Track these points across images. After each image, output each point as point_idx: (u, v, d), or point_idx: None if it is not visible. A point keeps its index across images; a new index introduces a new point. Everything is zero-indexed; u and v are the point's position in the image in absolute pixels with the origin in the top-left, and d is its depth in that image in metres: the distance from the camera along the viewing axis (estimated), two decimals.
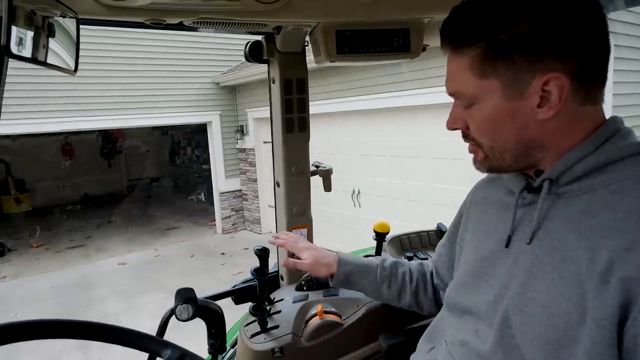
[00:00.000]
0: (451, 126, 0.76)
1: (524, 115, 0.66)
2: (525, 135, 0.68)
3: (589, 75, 0.65)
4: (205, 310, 1.02)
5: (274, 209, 1.50)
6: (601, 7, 0.64)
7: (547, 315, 0.62)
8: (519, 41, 0.63)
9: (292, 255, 1.13)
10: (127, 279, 6.26)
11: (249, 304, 1.19)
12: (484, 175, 0.92)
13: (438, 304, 1.08)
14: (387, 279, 1.08)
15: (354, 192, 6.05)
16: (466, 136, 0.75)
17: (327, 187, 1.55)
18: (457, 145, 0.78)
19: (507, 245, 0.73)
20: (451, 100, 0.75)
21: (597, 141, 0.66)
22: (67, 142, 11.19)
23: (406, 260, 1.15)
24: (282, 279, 1.49)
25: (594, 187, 0.65)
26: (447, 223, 1.68)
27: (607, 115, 0.70)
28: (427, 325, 0.96)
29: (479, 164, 0.76)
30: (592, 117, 0.68)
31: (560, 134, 0.67)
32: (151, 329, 0.92)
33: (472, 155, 0.77)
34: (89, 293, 5.80)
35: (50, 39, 0.79)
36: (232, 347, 1.34)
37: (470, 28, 0.67)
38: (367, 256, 1.49)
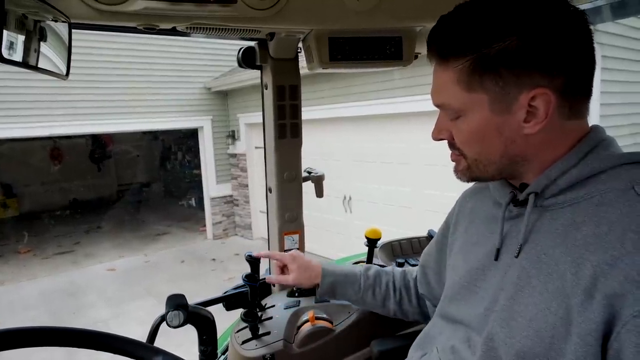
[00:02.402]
0: (436, 137, 0.76)
1: (510, 129, 0.66)
2: (511, 150, 0.68)
3: (575, 91, 0.65)
4: (196, 317, 1.02)
5: (265, 214, 1.49)
6: (588, 23, 0.65)
7: (534, 329, 0.63)
8: (508, 56, 0.62)
9: (282, 267, 1.14)
10: (116, 285, 6.19)
11: (240, 310, 1.19)
12: (469, 184, 0.93)
13: (422, 312, 1.09)
14: (371, 288, 1.09)
15: (345, 198, 6.05)
16: (452, 145, 0.75)
17: (319, 193, 1.55)
18: (447, 152, 0.78)
19: (496, 259, 0.74)
20: None
21: (580, 154, 0.66)
22: (56, 146, 11.06)
23: (390, 268, 1.15)
24: (274, 285, 1.49)
25: (578, 200, 0.65)
26: (437, 229, 1.70)
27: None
28: (419, 331, 0.96)
29: (460, 173, 0.76)
30: (576, 131, 0.68)
31: (544, 148, 0.68)
32: (141, 335, 0.90)
33: (454, 165, 0.77)
34: (78, 300, 5.72)
35: (42, 43, 0.78)
36: (223, 353, 1.33)
37: (458, 40, 0.66)
38: (358, 262, 1.50)
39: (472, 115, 0.68)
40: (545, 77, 0.62)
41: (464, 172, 0.75)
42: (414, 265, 1.50)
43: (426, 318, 1.09)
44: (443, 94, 0.70)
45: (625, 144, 3.77)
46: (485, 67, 0.64)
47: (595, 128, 0.70)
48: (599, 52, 3.68)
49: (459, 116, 0.69)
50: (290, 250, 1.45)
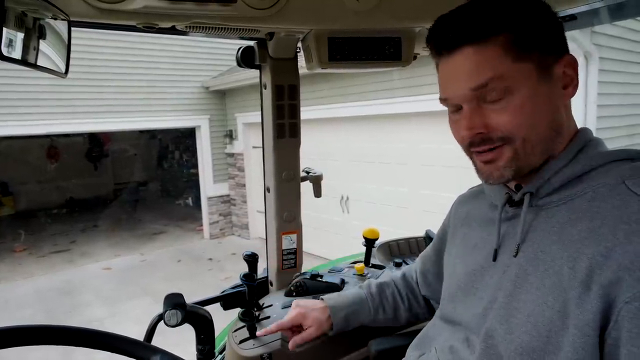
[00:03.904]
0: (471, 134, 0.69)
1: (555, 96, 0.69)
2: (556, 119, 0.70)
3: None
4: (194, 316, 1.02)
5: (262, 214, 1.49)
6: None
7: (531, 324, 0.64)
8: (546, 27, 0.68)
9: (292, 330, 1.08)
10: (112, 284, 6.17)
11: (238, 310, 1.19)
12: (467, 185, 0.94)
13: (431, 310, 1.10)
14: (381, 306, 1.09)
15: (343, 198, 6.05)
16: (487, 140, 0.68)
17: (317, 193, 1.55)
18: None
19: (494, 259, 0.75)
20: (437, 107, 0.75)
21: (570, 153, 0.69)
22: (53, 144, 11.02)
23: (389, 278, 1.14)
24: (272, 285, 1.49)
25: (572, 197, 0.67)
26: (435, 229, 1.70)
27: (589, 126, 0.74)
28: (417, 331, 0.97)
29: (503, 169, 0.69)
30: (572, 123, 0.73)
31: (567, 126, 0.71)
32: (137, 335, 0.90)
33: (485, 165, 0.71)
34: (73, 299, 5.70)
35: (41, 41, 0.78)
36: (221, 352, 1.33)
37: (498, 17, 0.67)
38: (355, 262, 1.50)
39: (522, 87, 0.66)
40: (565, 49, 0.70)
41: (509, 163, 0.69)
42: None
43: (433, 314, 1.09)
44: (487, 70, 0.66)
45: (622, 145, 3.79)
46: (528, 39, 0.66)
47: (584, 129, 0.73)
48: (596, 54, 3.69)
49: (505, 95, 0.66)
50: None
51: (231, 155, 8.23)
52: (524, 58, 0.66)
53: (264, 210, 1.49)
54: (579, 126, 0.74)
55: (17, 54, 0.72)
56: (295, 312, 1.07)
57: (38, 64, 0.77)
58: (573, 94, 0.70)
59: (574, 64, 0.70)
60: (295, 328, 1.07)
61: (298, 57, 1.30)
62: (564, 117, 0.71)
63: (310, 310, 1.07)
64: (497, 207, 0.77)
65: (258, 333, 1.10)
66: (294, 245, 1.46)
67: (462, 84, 0.68)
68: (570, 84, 0.70)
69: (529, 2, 0.68)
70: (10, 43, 0.70)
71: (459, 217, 0.92)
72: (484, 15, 0.67)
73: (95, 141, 11.82)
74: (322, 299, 1.10)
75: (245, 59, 1.31)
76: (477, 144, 0.70)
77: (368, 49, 1.08)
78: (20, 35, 0.72)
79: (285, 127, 1.35)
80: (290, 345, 1.05)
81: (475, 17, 0.68)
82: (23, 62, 0.73)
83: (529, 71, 0.67)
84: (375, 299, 1.09)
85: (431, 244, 1.06)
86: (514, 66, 0.66)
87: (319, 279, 1.33)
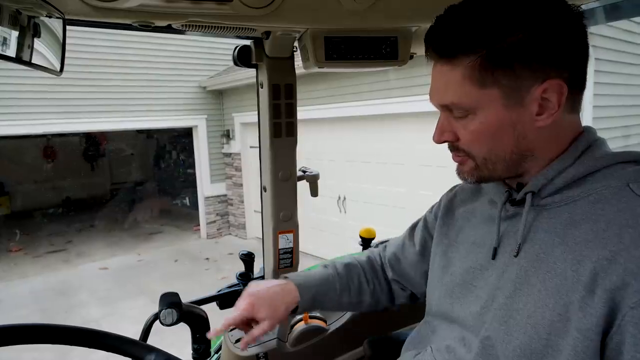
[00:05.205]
0: (439, 139, 0.73)
1: (523, 123, 0.66)
2: (522, 145, 0.68)
3: (577, 84, 0.67)
4: (190, 315, 1.02)
5: (259, 214, 1.49)
6: (583, 20, 0.67)
7: (531, 325, 0.64)
8: (521, 49, 0.62)
9: (247, 322, 0.90)
10: (109, 284, 6.16)
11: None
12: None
13: (391, 296, 1.06)
14: (347, 288, 1.00)
15: (340, 198, 6.06)
16: (455, 148, 0.73)
17: (314, 192, 1.55)
18: (441, 152, 0.77)
19: (493, 258, 0.74)
20: (433, 108, 0.74)
21: (576, 153, 0.68)
22: (49, 144, 10.98)
23: (355, 260, 1.08)
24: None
25: (574, 198, 0.66)
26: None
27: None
28: (412, 330, 0.97)
29: (466, 174, 0.74)
30: (574, 126, 0.70)
31: (549, 143, 0.69)
32: (133, 334, 0.90)
33: (457, 166, 0.75)
34: (69, 299, 5.68)
35: (35, 39, 0.78)
36: (217, 352, 1.33)
37: (468, 35, 0.64)
38: None
39: (485, 112, 0.66)
40: (554, 70, 0.64)
41: (471, 172, 0.73)
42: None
43: (392, 301, 1.06)
44: (451, 93, 0.68)
45: (617, 145, 3.81)
46: (498, 62, 0.63)
47: (588, 129, 0.72)
48: (592, 55, 3.71)
49: (468, 115, 0.68)
50: (282, 249, 1.44)
51: (228, 155, 8.22)
52: (490, 83, 0.64)
53: (260, 210, 1.48)
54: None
55: (11, 52, 0.71)
56: (244, 305, 0.89)
57: (32, 62, 0.77)
58: (547, 122, 0.65)
59: (559, 89, 0.64)
60: (250, 321, 0.91)
61: (295, 56, 1.30)
62: (531, 143, 0.68)
63: (262, 298, 0.90)
64: (496, 204, 0.76)
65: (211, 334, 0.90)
66: (291, 245, 1.46)
67: (434, 97, 0.72)
68: (546, 111, 0.65)
69: (513, 20, 0.62)
70: (5, 41, 0.69)
71: (457, 209, 0.90)
72: (456, 31, 0.65)
73: (92, 141, 11.78)
74: (285, 277, 0.98)
75: (242, 58, 1.30)
76: (448, 148, 0.75)
77: (365, 49, 1.08)
78: (15, 33, 0.72)
79: (282, 126, 1.35)
80: (241, 346, 0.90)
81: (448, 33, 0.66)
82: (17, 60, 0.73)
83: (493, 97, 0.65)
84: (342, 280, 1.00)
85: (414, 233, 1.03)
86: (478, 92, 0.65)
87: None
